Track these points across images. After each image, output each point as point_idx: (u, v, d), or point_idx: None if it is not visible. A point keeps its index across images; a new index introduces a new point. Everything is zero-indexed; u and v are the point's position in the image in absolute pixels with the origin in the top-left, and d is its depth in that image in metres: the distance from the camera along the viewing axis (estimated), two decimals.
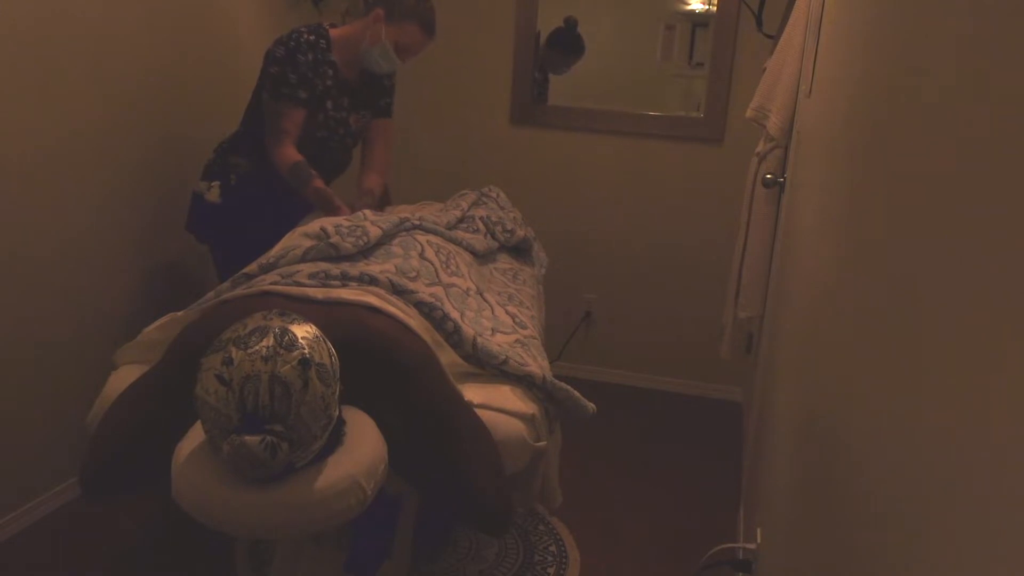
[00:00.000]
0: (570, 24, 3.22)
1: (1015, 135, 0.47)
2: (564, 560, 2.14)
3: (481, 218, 2.33)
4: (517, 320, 1.93)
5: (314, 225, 1.92)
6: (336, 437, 1.34)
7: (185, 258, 2.64)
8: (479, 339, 1.70)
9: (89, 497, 1.54)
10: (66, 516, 2.20)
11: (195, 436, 1.35)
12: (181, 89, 2.55)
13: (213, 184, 2.31)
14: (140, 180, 2.41)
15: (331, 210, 2.19)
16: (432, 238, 2.01)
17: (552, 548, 2.19)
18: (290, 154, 2.22)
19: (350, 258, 1.81)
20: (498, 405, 1.63)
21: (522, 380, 1.71)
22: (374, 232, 1.88)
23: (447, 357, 1.66)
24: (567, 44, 3.25)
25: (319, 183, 2.21)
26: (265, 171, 2.29)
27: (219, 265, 2.38)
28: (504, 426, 1.59)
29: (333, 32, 2.30)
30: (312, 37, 2.24)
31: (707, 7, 3.11)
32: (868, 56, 1.03)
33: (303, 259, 1.78)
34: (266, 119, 2.23)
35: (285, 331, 1.26)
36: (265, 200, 2.33)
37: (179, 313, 1.73)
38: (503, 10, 3.25)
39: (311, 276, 1.68)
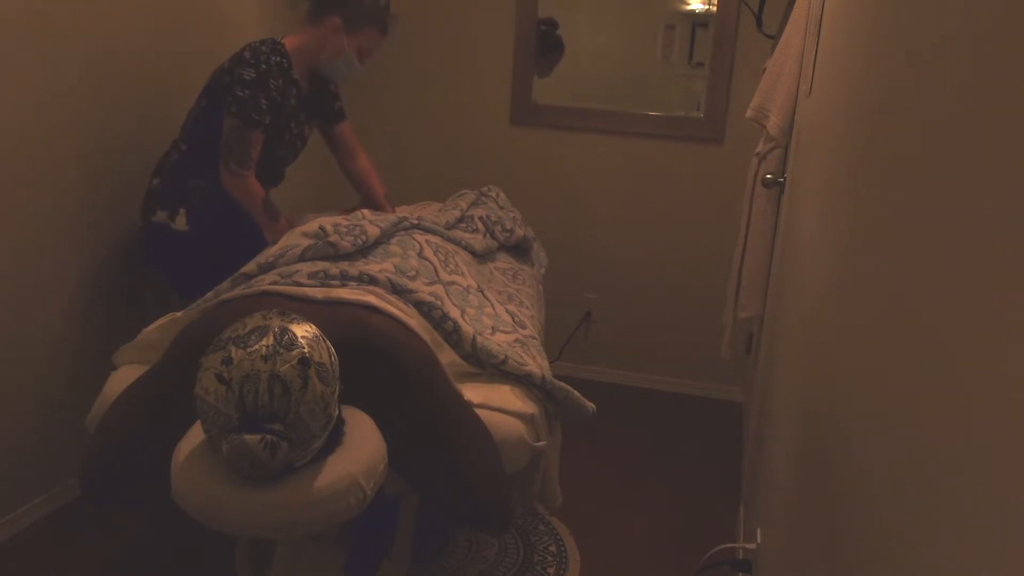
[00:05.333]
0: (550, 24, 3.22)
1: (1014, 133, 0.47)
2: (564, 560, 2.14)
3: (480, 218, 2.33)
4: (516, 319, 1.93)
5: (312, 224, 1.93)
6: (336, 437, 1.34)
7: None
8: (478, 338, 1.70)
9: (89, 500, 1.54)
10: (66, 516, 2.20)
11: (195, 436, 1.35)
12: (178, 85, 2.54)
13: (179, 211, 2.18)
14: (140, 180, 2.40)
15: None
16: (431, 237, 2.01)
17: (552, 548, 2.19)
18: (259, 186, 2.17)
19: (349, 257, 1.81)
20: (498, 405, 1.63)
21: (521, 380, 1.71)
22: (372, 231, 1.88)
23: (446, 356, 1.66)
24: (546, 44, 3.24)
25: (284, 221, 2.20)
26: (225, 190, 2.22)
27: (187, 295, 2.04)
28: (504, 426, 1.59)
29: (288, 45, 2.19)
30: (277, 59, 2.14)
31: (707, 7, 3.11)
32: (868, 56, 1.03)
33: (301, 258, 1.78)
34: (229, 144, 2.11)
35: (285, 330, 1.26)
36: (232, 218, 2.26)
37: (179, 313, 1.73)
38: (503, 11, 3.25)
39: (310, 276, 1.68)
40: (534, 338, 1.90)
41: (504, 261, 2.34)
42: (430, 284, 1.81)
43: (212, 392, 1.22)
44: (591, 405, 1.77)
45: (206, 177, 2.19)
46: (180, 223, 2.18)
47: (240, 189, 2.15)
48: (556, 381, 1.73)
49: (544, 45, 3.25)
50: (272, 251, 1.85)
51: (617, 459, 2.77)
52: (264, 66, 2.10)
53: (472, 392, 1.63)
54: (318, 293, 1.61)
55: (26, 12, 1.95)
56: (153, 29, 2.40)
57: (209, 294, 1.75)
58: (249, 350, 1.22)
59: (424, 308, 1.69)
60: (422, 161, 3.47)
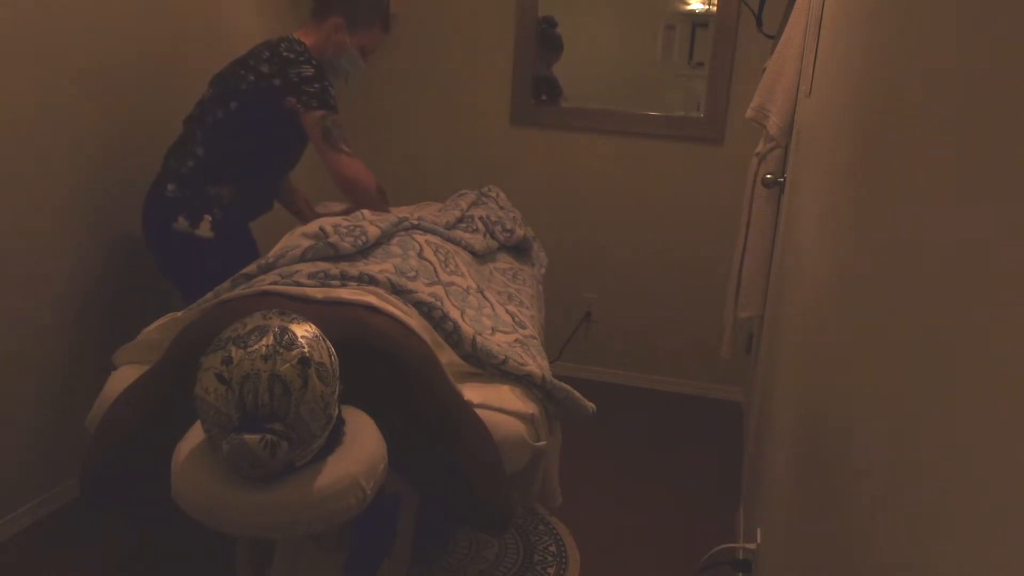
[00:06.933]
0: (549, 23, 3.22)
1: (1015, 133, 0.47)
2: (564, 560, 2.14)
3: (480, 218, 2.33)
4: (516, 319, 1.93)
5: (313, 225, 1.93)
6: (336, 436, 1.34)
7: None
8: (478, 338, 1.70)
9: (89, 501, 1.54)
10: (66, 516, 2.20)
11: (195, 435, 1.35)
12: (177, 86, 2.55)
13: (203, 219, 2.15)
14: (141, 180, 2.40)
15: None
16: (431, 238, 2.01)
17: (552, 548, 2.19)
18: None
19: (349, 258, 1.82)
20: (498, 405, 1.63)
21: (521, 380, 1.71)
22: (372, 232, 1.88)
23: (446, 357, 1.66)
24: (544, 42, 3.24)
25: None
26: (250, 194, 2.23)
27: (193, 300, 1.94)
28: (504, 426, 1.59)
29: (303, 41, 2.19)
30: (307, 51, 2.15)
31: (707, 7, 3.11)
32: (868, 56, 1.03)
33: (302, 259, 1.78)
34: (329, 132, 2.13)
35: (285, 330, 1.26)
36: (246, 224, 2.29)
37: (179, 313, 1.73)
38: (503, 11, 3.25)
39: (311, 276, 1.68)
40: (534, 338, 1.90)
41: (504, 261, 2.34)
42: (430, 284, 1.81)
43: (212, 392, 1.22)
44: (591, 405, 1.77)
45: (229, 184, 2.19)
46: (204, 230, 2.15)
47: (362, 169, 2.18)
48: (556, 381, 1.73)
49: (542, 43, 3.25)
50: (272, 252, 1.86)
51: (617, 459, 2.77)
52: (314, 60, 2.14)
53: (472, 392, 1.63)
54: (318, 293, 1.61)
55: (23, 13, 1.95)
56: (151, 29, 2.40)
57: (209, 294, 1.75)
58: (249, 350, 1.22)
59: (424, 308, 1.69)
60: (422, 161, 3.47)
